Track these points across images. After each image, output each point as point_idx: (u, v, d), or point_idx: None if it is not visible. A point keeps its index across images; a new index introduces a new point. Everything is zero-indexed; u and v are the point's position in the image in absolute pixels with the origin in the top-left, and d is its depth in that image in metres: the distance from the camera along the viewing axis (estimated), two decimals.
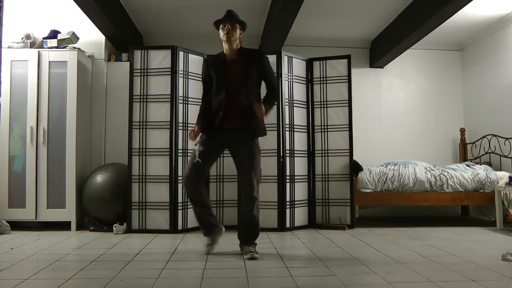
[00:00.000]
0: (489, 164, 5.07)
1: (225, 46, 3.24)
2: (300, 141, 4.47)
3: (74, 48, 4.40)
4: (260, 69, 3.22)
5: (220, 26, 3.22)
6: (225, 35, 3.17)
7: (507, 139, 4.90)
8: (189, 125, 4.29)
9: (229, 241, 3.38)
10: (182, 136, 4.22)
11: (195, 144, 3.20)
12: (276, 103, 3.49)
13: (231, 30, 3.17)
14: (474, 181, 4.61)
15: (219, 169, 4.41)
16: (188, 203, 4.21)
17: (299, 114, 4.50)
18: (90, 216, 4.26)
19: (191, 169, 3.16)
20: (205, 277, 2.49)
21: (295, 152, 4.41)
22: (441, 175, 4.62)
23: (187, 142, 4.26)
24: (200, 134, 3.23)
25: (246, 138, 3.17)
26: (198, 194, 3.17)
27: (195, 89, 4.32)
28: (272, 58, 4.34)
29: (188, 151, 4.25)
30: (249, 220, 3.13)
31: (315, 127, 4.58)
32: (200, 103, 3.39)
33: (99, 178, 4.21)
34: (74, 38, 4.47)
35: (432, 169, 4.69)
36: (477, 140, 5.44)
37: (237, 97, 3.15)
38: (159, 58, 4.23)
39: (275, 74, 4.29)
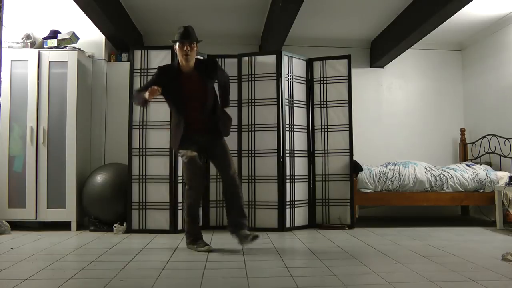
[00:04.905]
0: (489, 164, 5.07)
1: (182, 62, 3.29)
2: (300, 141, 4.47)
3: (74, 48, 4.40)
4: (216, 78, 3.37)
5: (178, 46, 3.26)
6: (183, 56, 3.24)
7: (507, 139, 4.90)
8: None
9: (229, 241, 3.38)
10: None
11: (182, 156, 3.29)
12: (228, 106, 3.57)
13: (189, 50, 3.23)
14: (474, 181, 4.61)
15: None
16: None
17: (299, 114, 4.50)
18: (90, 216, 4.26)
19: (196, 177, 3.25)
20: (205, 277, 2.49)
21: (295, 152, 4.41)
22: (441, 175, 4.62)
23: None
24: (179, 147, 3.30)
25: (216, 138, 3.33)
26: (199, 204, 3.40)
27: None
28: (272, 58, 4.36)
29: None
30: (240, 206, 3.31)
31: (315, 127, 4.58)
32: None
33: (99, 178, 4.21)
34: (74, 38, 4.47)
35: (432, 169, 4.69)
36: (477, 140, 5.44)
37: (196, 112, 3.28)
38: (159, 58, 4.23)
39: (276, 74, 4.32)
